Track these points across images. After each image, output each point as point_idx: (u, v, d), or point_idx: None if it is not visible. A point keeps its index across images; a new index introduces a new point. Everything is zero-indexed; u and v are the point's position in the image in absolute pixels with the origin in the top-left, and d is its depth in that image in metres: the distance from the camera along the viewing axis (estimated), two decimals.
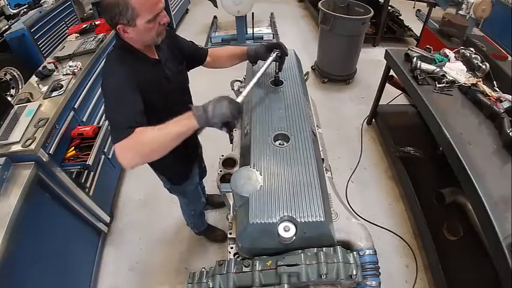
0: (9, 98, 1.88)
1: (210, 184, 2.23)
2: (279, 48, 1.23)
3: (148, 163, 1.44)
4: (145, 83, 1.07)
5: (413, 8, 4.72)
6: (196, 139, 1.61)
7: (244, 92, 1.05)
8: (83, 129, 1.84)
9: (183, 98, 1.37)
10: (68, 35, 2.62)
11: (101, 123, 2.14)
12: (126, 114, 0.97)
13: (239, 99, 0.99)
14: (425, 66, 2.09)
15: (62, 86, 1.87)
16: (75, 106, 1.93)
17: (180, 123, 0.94)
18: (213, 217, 2.24)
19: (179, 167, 1.49)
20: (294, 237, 0.83)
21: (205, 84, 2.84)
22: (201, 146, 1.73)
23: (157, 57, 1.17)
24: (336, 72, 3.49)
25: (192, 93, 1.44)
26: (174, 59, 1.25)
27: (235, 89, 1.65)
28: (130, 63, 1.06)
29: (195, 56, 1.38)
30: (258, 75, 1.15)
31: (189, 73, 1.39)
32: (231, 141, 1.55)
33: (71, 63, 2.07)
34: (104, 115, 1.10)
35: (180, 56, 1.29)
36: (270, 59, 1.22)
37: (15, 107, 1.74)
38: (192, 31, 4.86)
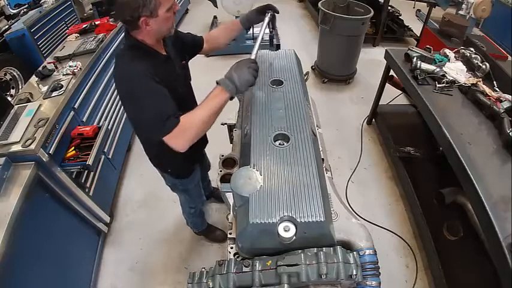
0: (9, 98, 1.88)
1: (214, 179, 2.23)
2: (271, 9, 1.31)
3: (151, 161, 1.50)
4: (160, 78, 1.10)
5: (413, 8, 4.72)
6: (205, 136, 1.59)
7: (255, 50, 1.12)
8: (83, 129, 1.84)
9: (188, 92, 1.41)
10: (68, 35, 2.62)
11: (101, 123, 2.14)
12: (167, 104, 1.02)
13: (252, 57, 1.09)
14: (425, 66, 2.09)
15: (62, 86, 1.87)
16: (75, 106, 1.92)
17: (216, 98, 1.02)
18: (212, 217, 2.24)
19: (182, 161, 1.46)
20: (294, 237, 0.83)
21: (204, 83, 2.84)
22: (207, 142, 1.71)
23: (166, 53, 1.21)
24: (336, 72, 3.49)
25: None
26: (178, 55, 1.30)
27: None
28: (145, 60, 1.09)
29: (194, 45, 1.43)
30: (261, 33, 1.21)
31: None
32: (231, 141, 1.55)
33: (71, 63, 2.07)
34: (132, 115, 1.13)
35: (183, 51, 1.34)
36: (267, 19, 1.29)
37: (15, 107, 1.74)
38: (192, 31, 4.80)
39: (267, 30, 1.34)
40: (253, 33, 4.13)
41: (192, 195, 1.73)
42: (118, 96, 2.53)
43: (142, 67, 1.05)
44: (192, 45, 1.42)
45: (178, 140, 1.00)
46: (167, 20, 1.08)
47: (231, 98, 1.06)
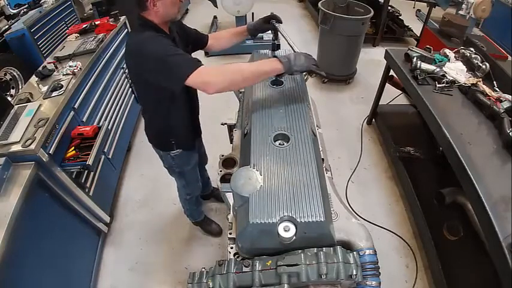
0: (9, 98, 1.88)
1: (214, 179, 2.23)
2: (275, 18, 1.43)
3: (153, 139, 1.57)
4: None
5: (413, 8, 4.72)
6: (198, 121, 1.67)
7: (292, 45, 1.25)
8: (83, 129, 1.84)
9: None
10: (68, 35, 2.61)
11: (101, 123, 2.14)
12: (189, 56, 1.11)
13: (296, 49, 1.22)
14: (425, 66, 2.09)
15: (62, 86, 1.87)
16: (75, 106, 1.92)
17: (269, 63, 1.11)
18: (213, 217, 2.23)
19: (185, 130, 1.54)
20: (294, 237, 0.83)
21: None
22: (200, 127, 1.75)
23: (171, 35, 1.29)
24: (336, 72, 3.49)
25: None
26: (182, 40, 1.39)
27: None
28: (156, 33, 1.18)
29: (198, 40, 1.52)
30: (286, 35, 1.37)
31: None
32: (231, 141, 1.55)
33: (71, 63, 2.07)
34: (148, 76, 1.20)
35: (187, 39, 1.43)
36: (278, 26, 1.41)
37: (15, 107, 1.74)
38: None
39: (270, 37, 1.46)
40: None
41: (188, 180, 1.75)
42: (117, 93, 2.55)
43: (155, 34, 1.16)
44: (195, 39, 1.50)
45: (213, 76, 1.05)
46: (173, 5, 1.18)
47: (279, 75, 1.15)
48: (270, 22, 1.44)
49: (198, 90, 1.52)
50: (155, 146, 1.59)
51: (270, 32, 1.48)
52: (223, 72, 1.08)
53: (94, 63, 2.23)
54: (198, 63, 1.07)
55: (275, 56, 1.15)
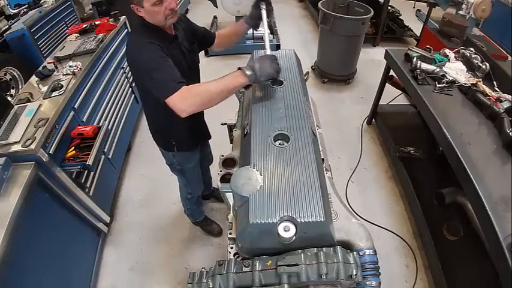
0: (9, 98, 1.88)
1: (214, 179, 2.23)
2: (264, 0, 1.35)
3: (155, 136, 1.58)
4: (167, 53, 1.17)
5: (413, 8, 4.73)
6: (203, 122, 1.69)
7: (267, 45, 1.23)
8: (83, 129, 1.84)
9: (195, 75, 1.47)
10: (68, 35, 2.62)
11: (100, 123, 2.14)
12: (173, 73, 1.11)
13: (268, 52, 1.18)
14: (425, 66, 2.09)
15: (62, 86, 1.87)
16: (75, 106, 1.92)
17: (234, 79, 1.10)
18: (213, 217, 2.23)
19: (187, 132, 1.54)
20: (294, 237, 0.83)
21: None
22: (207, 131, 1.76)
23: (174, 33, 1.29)
24: (336, 72, 3.49)
25: None
26: (188, 38, 1.38)
27: None
28: (153, 35, 1.18)
29: (206, 38, 1.52)
30: (266, 28, 1.33)
31: None
32: (231, 141, 1.55)
33: (71, 63, 2.07)
34: (141, 82, 1.24)
35: (193, 37, 1.43)
36: (264, 11, 1.35)
37: (15, 107, 1.74)
38: None
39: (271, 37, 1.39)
40: (253, 34, 4.14)
41: (189, 179, 1.75)
42: (117, 93, 2.55)
43: (152, 38, 1.15)
44: (203, 37, 1.50)
45: (183, 102, 1.06)
46: (155, 13, 1.14)
47: (247, 87, 1.16)
48: (260, 6, 1.36)
49: None
50: (157, 143, 1.61)
51: (270, 32, 1.46)
52: (191, 96, 1.08)
53: (94, 63, 2.23)
54: (175, 87, 1.07)
55: (240, 68, 1.13)
